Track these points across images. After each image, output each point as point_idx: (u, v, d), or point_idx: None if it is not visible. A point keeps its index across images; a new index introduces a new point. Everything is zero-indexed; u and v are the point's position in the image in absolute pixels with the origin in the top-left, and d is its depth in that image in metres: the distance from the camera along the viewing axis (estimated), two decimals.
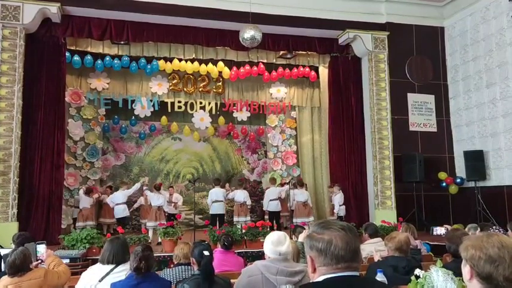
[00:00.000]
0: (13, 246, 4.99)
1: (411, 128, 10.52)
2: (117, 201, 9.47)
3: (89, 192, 9.98)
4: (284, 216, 11.31)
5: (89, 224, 9.44)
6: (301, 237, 4.52)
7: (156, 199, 9.15)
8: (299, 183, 10.81)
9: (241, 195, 10.31)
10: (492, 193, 9.56)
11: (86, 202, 9.75)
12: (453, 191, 10.24)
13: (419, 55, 10.76)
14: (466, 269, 1.52)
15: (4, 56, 8.33)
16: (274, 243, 2.99)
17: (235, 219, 10.23)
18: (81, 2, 8.82)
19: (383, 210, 9.89)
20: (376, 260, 3.90)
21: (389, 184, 10.07)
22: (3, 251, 5.22)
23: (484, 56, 9.95)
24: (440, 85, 10.88)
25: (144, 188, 9.63)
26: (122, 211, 9.43)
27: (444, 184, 10.27)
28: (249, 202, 10.44)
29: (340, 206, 10.00)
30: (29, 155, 8.60)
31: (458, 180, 10.21)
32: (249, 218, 10.21)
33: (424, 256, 4.93)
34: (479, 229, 5.22)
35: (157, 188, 9.50)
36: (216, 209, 10.15)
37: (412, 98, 10.61)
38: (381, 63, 10.43)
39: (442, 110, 10.78)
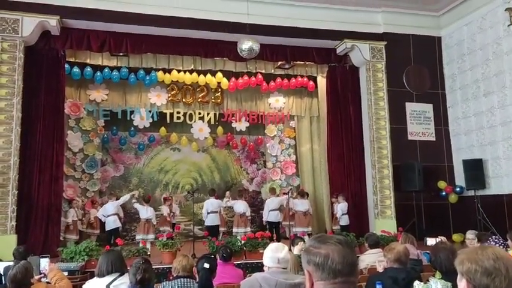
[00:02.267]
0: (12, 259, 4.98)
1: (410, 137, 10.54)
2: (108, 212, 9.43)
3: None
4: (286, 226, 11.24)
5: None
6: (297, 250, 4.51)
7: (144, 212, 9.16)
8: (300, 193, 10.82)
9: (241, 206, 10.30)
10: (492, 202, 9.54)
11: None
12: (453, 200, 10.22)
13: (416, 64, 10.81)
14: (462, 283, 1.51)
15: (3, 68, 8.36)
16: (273, 250, 3.05)
17: (234, 230, 10.18)
18: (80, 14, 8.87)
19: (383, 220, 9.86)
20: (379, 270, 3.87)
21: (389, 193, 10.06)
22: (3, 264, 5.20)
23: (481, 65, 10.00)
24: (438, 94, 10.93)
25: (133, 201, 9.61)
26: (112, 222, 9.39)
27: (444, 193, 10.26)
28: (248, 213, 10.41)
29: (343, 214, 10.00)
30: (27, 167, 8.59)
31: (458, 189, 10.20)
32: (249, 229, 10.15)
33: (424, 266, 4.91)
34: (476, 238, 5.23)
35: (147, 201, 9.53)
36: (212, 220, 10.09)
37: (410, 107, 10.65)
38: (378, 72, 10.49)
39: (441, 119, 10.81)
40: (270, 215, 10.50)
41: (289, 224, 9.96)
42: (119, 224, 9.60)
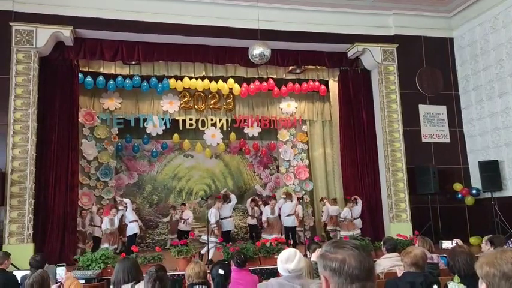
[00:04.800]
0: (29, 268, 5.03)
1: (424, 140, 10.44)
2: (129, 219, 9.49)
3: None
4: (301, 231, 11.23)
5: None
6: (314, 256, 4.46)
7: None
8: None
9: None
10: (509, 203, 9.38)
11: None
12: (469, 203, 10.08)
13: (429, 66, 10.72)
14: (482, 287, 1.49)
15: (18, 79, 8.50)
16: (283, 261, 3.02)
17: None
18: (92, 24, 9.00)
19: (398, 224, 9.76)
20: (398, 274, 3.82)
21: (404, 197, 9.96)
22: (20, 273, 5.27)
23: (495, 65, 9.88)
24: (452, 95, 10.82)
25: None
26: (132, 228, 9.41)
27: (460, 195, 10.13)
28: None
29: (355, 218, 9.99)
30: (43, 176, 8.70)
31: (474, 191, 10.06)
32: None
33: (442, 270, 4.83)
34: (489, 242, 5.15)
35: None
36: (225, 225, 9.97)
37: (423, 109, 10.55)
38: (390, 75, 10.42)
39: (455, 121, 10.69)
40: (286, 220, 10.40)
41: (304, 230, 9.93)
42: (137, 230, 9.63)
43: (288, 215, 10.34)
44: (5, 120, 8.32)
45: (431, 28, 10.72)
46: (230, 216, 9.97)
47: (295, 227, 10.53)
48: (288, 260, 2.98)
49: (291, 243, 9.76)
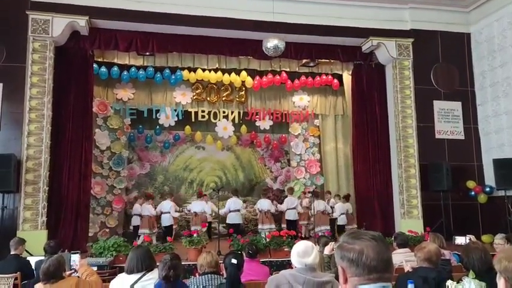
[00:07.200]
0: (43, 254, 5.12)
1: (437, 136, 10.33)
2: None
3: None
4: (304, 225, 11.41)
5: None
6: (327, 250, 4.48)
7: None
8: (315, 194, 10.96)
9: (265, 204, 10.46)
10: None
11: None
12: (482, 200, 9.98)
13: (445, 62, 10.58)
14: (501, 281, 1.49)
15: (34, 68, 8.57)
16: (301, 254, 2.99)
17: (259, 226, 10.38)
18: (108, 15, 9.02)
19: (409, 220, 9.70)
20: (406, 270, 3.82)
21: (416, 193, 9.89)
22: (34, 259, 5.37)
23: None
24: (468, 92, 10.67)
25: None
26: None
27: (473, 193, 10.02)
28: (273, 210, 10.63)
29: (341, 214, 10.85)
30: (58, 164, 8.80)
31: (488, 189, 9.95)
32: (273, 225, 10.32)
33: (453, 267, 4.81)
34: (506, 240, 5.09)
35: None
36: (233, 218, 10.22)
37: (438, 105, 10.43)
38: (405, 70, 10.31)
39: (470, 117, 10.55)
40: (289, 213, 10.77)
41: (308, 224, 10.12)
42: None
43: (289, 209, 10.82)
44: (20, 109, 8.42)
45: (448, 23, 10.55)
46: (238, 210, 10.27)
47: (296, 220, 11.05)
48: (306, 254, 2.96)
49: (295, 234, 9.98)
